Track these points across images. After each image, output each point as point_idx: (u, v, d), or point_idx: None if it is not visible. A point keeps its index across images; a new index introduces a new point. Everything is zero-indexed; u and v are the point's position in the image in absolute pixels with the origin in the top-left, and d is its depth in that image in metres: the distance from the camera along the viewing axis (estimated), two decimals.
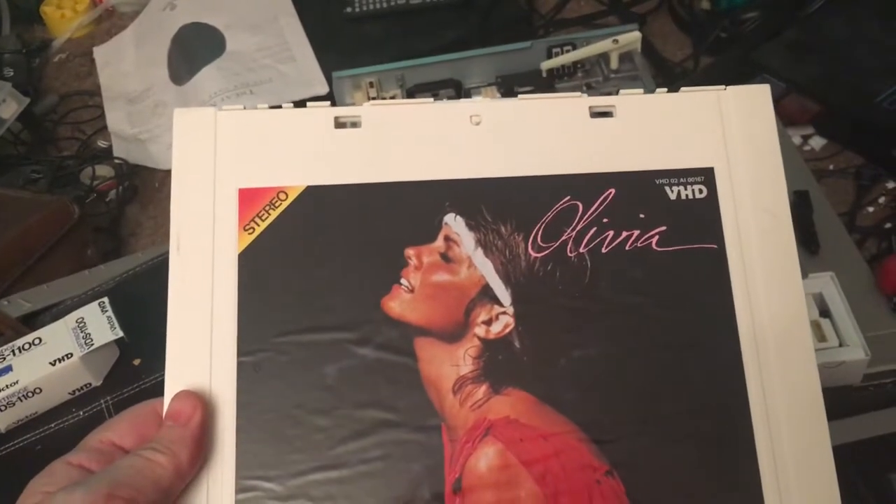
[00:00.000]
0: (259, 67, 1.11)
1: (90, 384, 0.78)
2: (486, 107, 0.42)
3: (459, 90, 0.97)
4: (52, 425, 0.76)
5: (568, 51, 0.96)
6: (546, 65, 0.95)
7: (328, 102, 0.42)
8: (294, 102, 0.42)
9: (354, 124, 0.42)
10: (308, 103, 0.42)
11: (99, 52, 1.25)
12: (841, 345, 0.66)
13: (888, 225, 0.90)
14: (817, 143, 0.98)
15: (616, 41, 0.93)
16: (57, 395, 0.76)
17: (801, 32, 1.03)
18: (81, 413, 0.79)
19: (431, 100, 0.43)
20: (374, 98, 0.94)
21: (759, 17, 1.05)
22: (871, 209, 0.92)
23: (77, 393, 0.78)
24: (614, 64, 0.95)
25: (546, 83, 0.95)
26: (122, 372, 0.79)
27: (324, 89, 1.08)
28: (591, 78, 0.97)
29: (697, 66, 1.08)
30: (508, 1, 1.19)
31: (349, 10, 1.16)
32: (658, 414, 0.39)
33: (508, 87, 0.95)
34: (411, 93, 0.95)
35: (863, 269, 0.76)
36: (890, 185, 0.94)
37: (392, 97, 0.94)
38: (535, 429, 0.39)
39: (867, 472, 0.60)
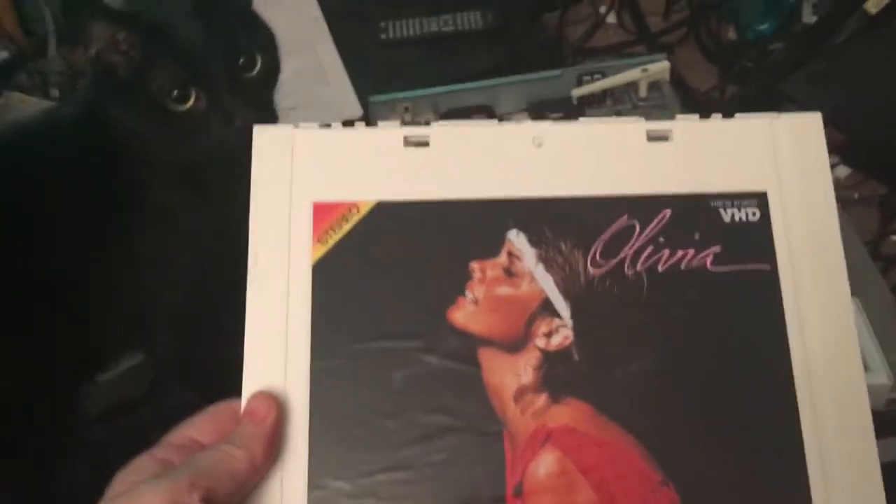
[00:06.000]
0: (294, 92, 1.13)
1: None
2: (549, 129, 0.44)
3: (491, 116, 0.99)
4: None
5: (598, 79, 0.98)
6: (577, 92, 0.97)
7: (398, 122, 0.44)
8: (342, 123, 0.44)
9: (423, 143, 0.44)
10: (379, 122, 0.44)
11: None
12: (865, 369, 0.68)
13: None
14: (842, 172, 1.00)
15: (645, 70, 0.96)
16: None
17: (827, 63, 1.05)
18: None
19: (496, 121, 0.45)
20: (408, 122, 0.96)
21: (785, 47, 1.07)
22: (895, 238, 0.94)
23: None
24: (643, 92, 0.97)
25: (576, 110, 0.98)
26: None
27: (357, 113, 1.10)
28: (620, 105, 0.99)
29: (724, 95, 1.11)
30: (538, 29, 1.22)
31: (384, 36, 1.19)
32: (711, 428, 0.41)
33: (539, 113, 0.98)
34: (445, 118, 0.97)
35: (887, 296, 0.78)
36: None
37: (426, 121, 0.96)
38: (592, 437, 0.41)
39: (891, 497, 0.61)
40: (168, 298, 0.76)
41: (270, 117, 0.71)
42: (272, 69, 0.72)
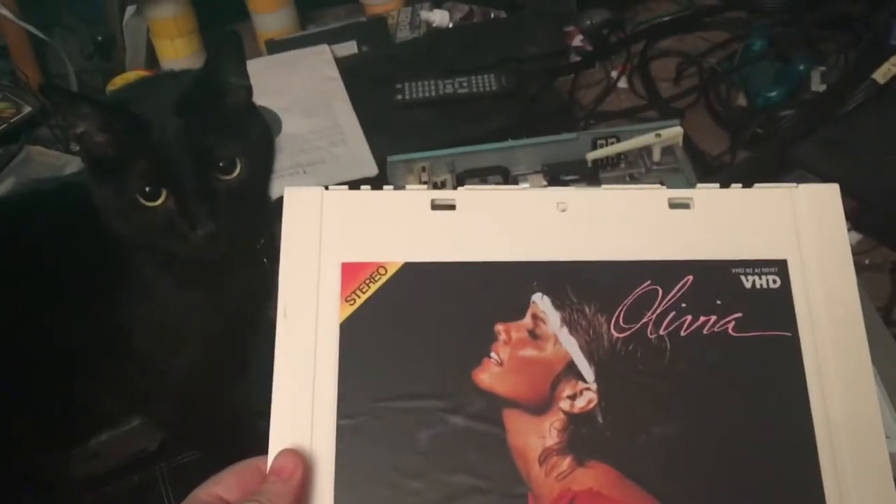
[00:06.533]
0: (312, 149, 1.16)
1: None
2: (572, 195, 0.45)
3: (507, 177, 1.01)
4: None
5: (612, 143, 1.00)
6: (591, 155, 0.99)
7: (426, 186, 0.45)
8: (348, 184, 0.46)
9: (450, 206, 0.45)
10: (407, 186, 0.46)
11: None
12: None
13: None
14: (853, 238, 1.01)
15: (659, 135, 0.97)
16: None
17: (837, 130, 1.07)
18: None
19: (520, 186, 0.46)
20: (425, 182, 0.98)
21: (796, 114, 1.09)
22: None
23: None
24: (657, 157, 0.99)
25: (591, 173, 0.99)
26: None
27: (373, 171, 1.12)
28: (634, 169, 1.00)
29: (734, 160, 1.12)
30: (551, 93, 1.25)
31: (399, 97, 1.21)
32: (734, 493, 0.41)
33: (554, 175, 0.99)
34: (461, 178, 0.99)
35: None
36: None
37: (443, 182, 0.98)
38: (617, 501, 0.41)
39: None
40: (170, 371, 0.76)
41: (247, 224, 0.69)
42: (256, 170, 0.69)
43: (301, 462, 0.40)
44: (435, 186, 0.95)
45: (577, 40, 1.33)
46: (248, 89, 0.71)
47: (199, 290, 0.74)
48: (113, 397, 0.76)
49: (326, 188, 0.45)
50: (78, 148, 1.16)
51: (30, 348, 0.69)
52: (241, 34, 0.70)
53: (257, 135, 0.71)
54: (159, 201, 0.65)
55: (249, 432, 0.78)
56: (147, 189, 0.64)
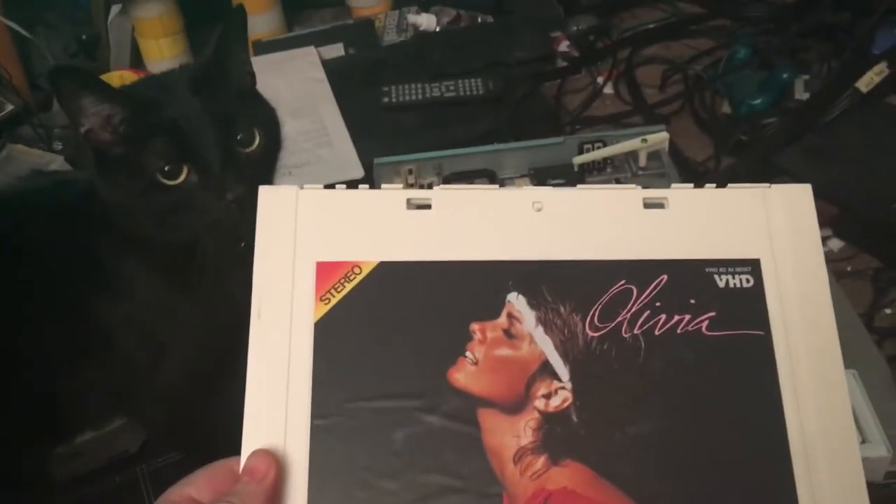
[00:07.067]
0: (299, 150, 1.15)
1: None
2: (548, 194, 0.45)
3: (493, 180, 1.01)
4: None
5: (599, 147, 1.00)
6: (578, 160, 0.99)
7: (401, 185, 0.45)
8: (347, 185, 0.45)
9: (425, 206, 0.45)
10: (382, 185, 0.46)
11: None
12: (863, 441, 0.68)
13: None
14: (835, 244, 1.01)
15: (645, 140, 0.98)
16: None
17: (820, 138, 1.07)
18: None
19: (496, 186, 0.46)
20: (412, 185, 0.98)
21: (779, 122, 1.10)
22: (888, 311, 0.95)
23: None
24: (643, 161, 0.99)
25: (577, 177, 0.99)
26: None
27: (359, 173, 1.12)
28: (620, 174, 1.01)
29: (719, 166, 1.13)
30: (537, 97, 1.25)
31: (386, 100, 1.21)
32: (708, 493, 0.41)
33: (541, 178, 0.99)
34: (447, 181, 0.99)
35: (883, 367, 0.78)
36: None
37: (429, 184, 0.98)
38: (592, 500, 0.41)
39: None
40: (155, 376, 0.76)
41: None
42: (271, 146, 0.71)
43: (274, 462, 0.40)
44: (422, 189, 0.95)
45: (564, 46, 1.33)
46: (253, 75, 0.73)
47: (188, 293, 0.73)
48: (96, 397, 0.76)
49: (301, 187, 0.45)
50: (62, 146, 1.16)
51: (10, 346, 0.69)
52: (245, 10, 0.71)
53: (266, 116, 0.73)
54: (181, 178, 0.65)
55: (235, 435, 0.77)
56: (167, 168, 0.65)
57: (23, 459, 0.75)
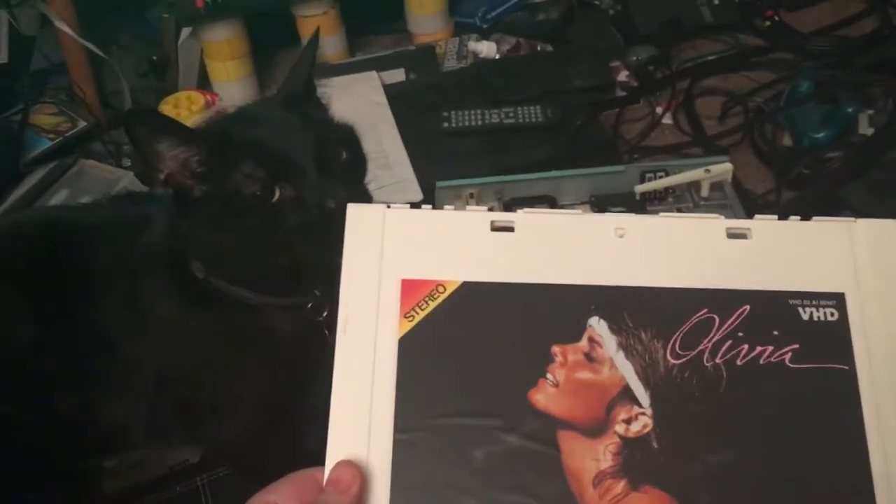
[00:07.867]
0: None
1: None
2: (631, 221, 0.46)
3: (553, 206, 1.01)
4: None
5: (661, 176, 1.00)
6: (640, 188, 0.99)
7: (486, 207, 0.46)
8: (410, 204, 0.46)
9: (509, 228, 0.46)
10: (467, 207, 0.46)
11: None
12: None
13: None
14: None
15: (708, 171, 0.98)
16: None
17: (885, 174, 1.06)
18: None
19: (580, 211, 0.47)
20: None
21: (844, 156, 1.09)
22: None
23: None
24: (705, 192, 0.99)
25: (638, 205, 1.00)
26: None
27: (418, 196, 1.13)
28: (682, 203, 1.01)
29: (780, 199, 1.12)
30: (595, 126, 1.25)
31: (446, 125, 1.23)
32: None
33: (601, 206, 1.00)
34: (508, 206, 1.00)
35: None
36: None
37: (490, 209, 0.98)
38: None
39: None
40: (216, 432, 0.77)
41: (364, 199, 0.70)
42: (357, 159, 0.72)
43: (358, 474, 0.40)
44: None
45: (623, 75, 1.34)
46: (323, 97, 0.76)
47: (255, 353, 0.73)
48: (152, 429, 0.76)
49: (388, 206, 0.46)
50: (131, 163, 1.18)
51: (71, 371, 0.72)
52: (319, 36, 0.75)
53: (346, 132, 0.74)
54: (275, 197, 0.65)
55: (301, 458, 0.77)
56: (258, 192, 0.65)
57: (77, 473, 0.76)
